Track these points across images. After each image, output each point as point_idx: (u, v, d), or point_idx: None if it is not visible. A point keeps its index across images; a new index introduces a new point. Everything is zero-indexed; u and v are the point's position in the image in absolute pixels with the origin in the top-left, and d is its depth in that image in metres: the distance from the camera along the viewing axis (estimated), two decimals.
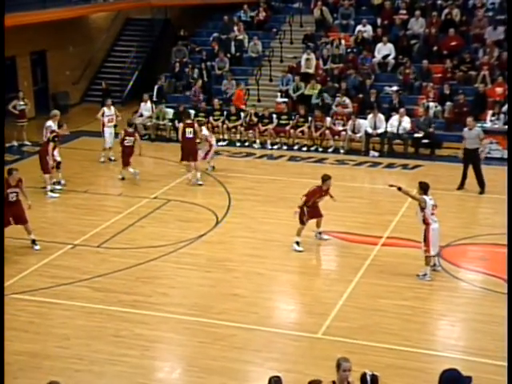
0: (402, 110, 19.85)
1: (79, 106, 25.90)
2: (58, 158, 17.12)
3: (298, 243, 13.38)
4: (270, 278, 12.55)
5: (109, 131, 19.00)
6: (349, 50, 23.47)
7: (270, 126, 20.77)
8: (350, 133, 20.13)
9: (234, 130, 21.20)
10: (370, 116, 20.10)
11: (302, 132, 20.60)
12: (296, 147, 20.46)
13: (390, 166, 19.00)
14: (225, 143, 20.94)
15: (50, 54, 24.82)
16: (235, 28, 24.98)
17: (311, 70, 22.90)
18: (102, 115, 19.10)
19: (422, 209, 12.08)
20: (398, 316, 11.04)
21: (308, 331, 10.64)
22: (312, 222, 13.64)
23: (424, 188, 12.34)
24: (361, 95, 21.50)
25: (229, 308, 11.31)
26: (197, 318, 11.04)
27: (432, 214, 12.12)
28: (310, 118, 20.61)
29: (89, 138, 21.39)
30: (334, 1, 25.52)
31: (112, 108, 19.36)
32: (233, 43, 24.70)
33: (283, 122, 20.82)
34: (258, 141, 20.81)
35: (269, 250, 13.61)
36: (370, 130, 19.96)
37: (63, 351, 10.12)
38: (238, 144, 20.90)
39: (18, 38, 21.86)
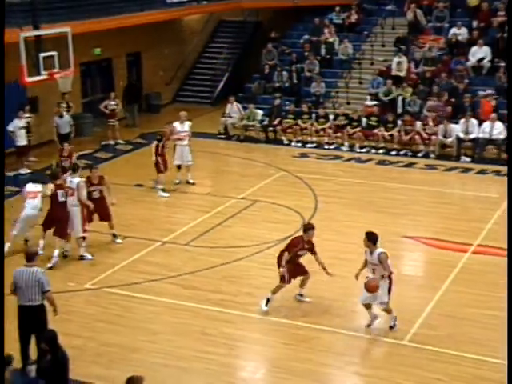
0: (493, 115, 19.35)
1: (171, 105, 26.44)
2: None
3: (268, 301, 11.30)
4: (355, 282, 12.42)
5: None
6: (441, 53, 23.04)
7: (359, 129, 20.66)
8: (441, 137, 19.77)
9: (322, 132, 21.19)
10: (463, 121, 19.66)
11: (392, 136, 20.38)
12: (385, 151, 20.24)
13: (481, 172, 18.52)
14: (313, 145, 20.96)
15: (144, 56, 25.49)
16: (326, 30, 24.91)
17: (402, 73, 22.61)
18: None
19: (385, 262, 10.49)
20: (487, 326, 10.78)
21: (393, 337, 10.54)
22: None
23: (373, 239, 10.60)
24: (453, 99, 21.06)
25: (313, 310, 11.32)
26: (282, 319, 11.12)
27: None
28: (399, 122, 20.37)
29: None
30: (428, 3, 25.09)
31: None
32: (323, 46, 24.66)
33: (372, 124, 20.67)
34: (346, 143, 20.72)
35: (354, 253, 13.40)
36: (461, 135, 19.54)
37: (151, 346, 10.39)
38: (326, 146, 20.87)
39: (115, 41, 22.57)
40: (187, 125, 17.69)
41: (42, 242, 13.34)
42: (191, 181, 17.64)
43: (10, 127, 18.29)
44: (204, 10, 26.49)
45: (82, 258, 13.35)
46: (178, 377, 9.67)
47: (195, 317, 11.23)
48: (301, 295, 11.66)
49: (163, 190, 16.90)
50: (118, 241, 14.12)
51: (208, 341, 10.50)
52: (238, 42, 28.24)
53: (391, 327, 10.72)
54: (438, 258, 13.34)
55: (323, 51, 24.56)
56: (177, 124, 17.63)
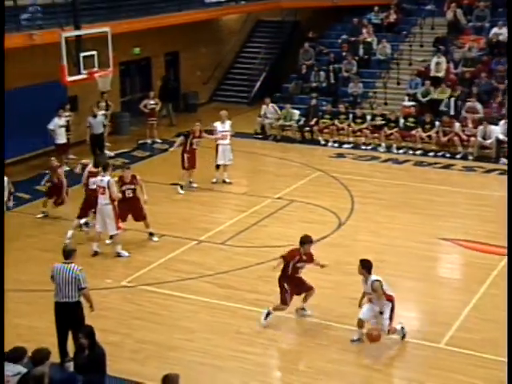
0: None
1: (208, 105, 26.56)
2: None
3: (268, 313, 11.02)
4: (391, 284, 12.22)
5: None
6: (482, 53, 22.75)
7: (396, 130, 20.51)
8: (480, 139, 19.52)
9: (359, 132, 21.09)
10: (502, 122, 19.41)
11: (430, 137, 20.20)
12: (422, 152, 20.04)
13: None
14: (350, 146, 20.87)
15: (182, 55, 25.65)
16: (364, 30, 24.79)
17: (441, 74, 22.40)
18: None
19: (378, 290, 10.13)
20: None
21: (430, 340, 10.46)
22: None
23: (367, 267, 10.20)
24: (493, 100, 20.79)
25: (348, 311, 11.23)
26: (316, 319, 11.10)
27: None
28: (437, 123, 20.18)
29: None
30: (468, 2, 24.78)
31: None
32: (361, 46, 24.54)
33: (410, 125, 20.50)
34: (383, 144, 20.59)
35: (390, 255, 13.43)
36: (501, 137, 19.28)
37: (188, 344, 10.46)
38: (363, 147, 20.77)
39: (153, 40, 22.79)
40: (228, 124, 17.72)
41: (70, 233, 13.93)
42: (228, 180, 17.70)
43: (51, 125, 18.59)
44: (242, 10, 26.58)
45: (118, 255, 13.50)
46: (213, 375, 9.73)
47: (231, 316, 11.28)
48: (303, 309, 11.20)
49: (181, 187, 17.02)
50: (155, 239, 14.24)
51: (244, 340, 10.54)
52: (276, 42, 28.26)
53: (403, 337, 10.44)
54: (476, 260, 13.20)
55: (361, 51, 24.46)
56: (217, 124, 17.67)
